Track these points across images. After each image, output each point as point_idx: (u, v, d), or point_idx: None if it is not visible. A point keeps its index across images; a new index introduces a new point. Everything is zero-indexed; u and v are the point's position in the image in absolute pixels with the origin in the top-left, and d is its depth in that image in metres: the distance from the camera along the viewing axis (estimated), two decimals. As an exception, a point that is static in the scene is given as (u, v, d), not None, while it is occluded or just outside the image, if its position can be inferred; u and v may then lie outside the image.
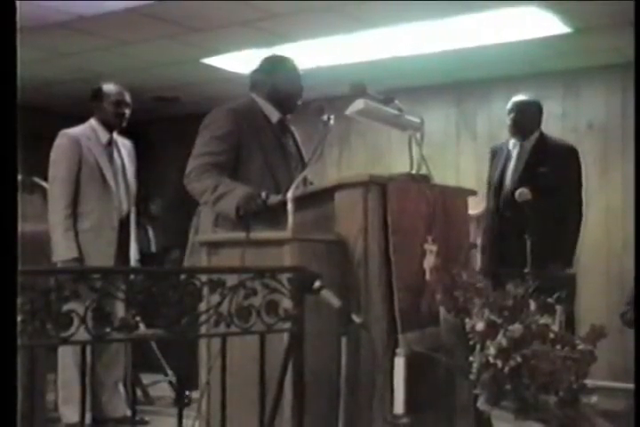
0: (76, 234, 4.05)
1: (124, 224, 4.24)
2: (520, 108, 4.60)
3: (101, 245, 4.09)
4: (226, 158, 3.12)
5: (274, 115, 3.30)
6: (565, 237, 4.37)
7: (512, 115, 4.60)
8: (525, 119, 4.60)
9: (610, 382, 4.68)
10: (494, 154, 4.76)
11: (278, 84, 3.28)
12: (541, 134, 4.64)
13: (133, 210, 4.37)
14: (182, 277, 2.09)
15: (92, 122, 4.28)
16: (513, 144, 4.66)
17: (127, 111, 4.30)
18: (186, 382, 2.62)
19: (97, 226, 4.09)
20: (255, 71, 3.38)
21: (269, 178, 3.16)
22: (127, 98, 4.30)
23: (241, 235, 2.67)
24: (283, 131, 3.34)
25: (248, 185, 3.00)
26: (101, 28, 5.01)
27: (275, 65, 3.36)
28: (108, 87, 4.30)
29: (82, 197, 4.12)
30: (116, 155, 4.29)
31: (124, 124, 4.31)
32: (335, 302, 2.31)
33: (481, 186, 4.62)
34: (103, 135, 4.26)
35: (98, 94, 4.28)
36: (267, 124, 3.27)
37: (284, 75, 3.31)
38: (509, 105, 4.66)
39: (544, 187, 4.17)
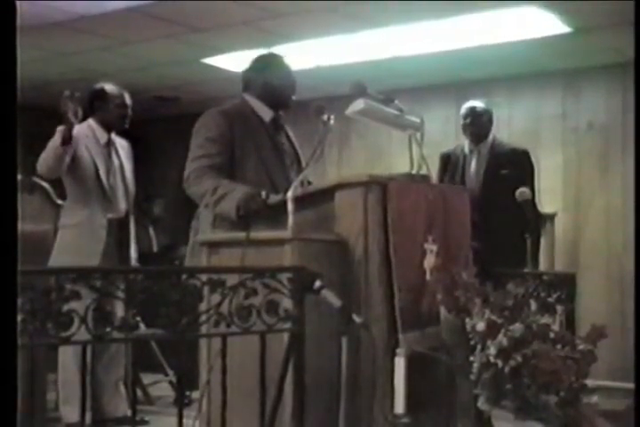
0: (67, 227, 4.08)
1: (122, 224, 4.24)
2: (476, 115, 4.76)
3: (88, 243, 4.08)
4: (222, 159, 3.13)
5: (266, 114, 3.30)
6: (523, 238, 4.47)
7: (468, 120, 4.76)
8: (481, 125, 4.76)
9: (610, 382, 4.68)
10: (448, 159, 4.85)
11: (269, 80, 3.30)
12: (494, 139, 4.81)
13: (132, 210, 4.37)
14: (182, 276, 2.09)
15: (91, 122, 4.26)
16: (469, 148, 4.79)
17: (130, 112, 4.30)
18: (186, 381, 2.62)
19: (86, 223, 4.10)
20: (246, 71, 3.40)
21: (265, 177, 3.16)
22: (128, 99, 4.30)
23: (241, 235, 2.67)
24: (276, 129, 3.34)
25: (245, 185, 3.00)
26: (102, 27, 5.01)
27: (264, 62, 3.37)
28: (111, 88, 4.28)
29: (75, 193, 4.13)
30: (114, 155, 4.29)
31: (127, 126, 4.31)
32: (335, 301, 2.31)
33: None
34: (101, 135, 4.25)
35: (101, 95, 4.26)
36: (259, 123, 3.27)
37: (275, 71, 3.33)
38: (464, 111, 4.80)
39: (507, 187, 4.28)
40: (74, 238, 4.09)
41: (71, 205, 4.17)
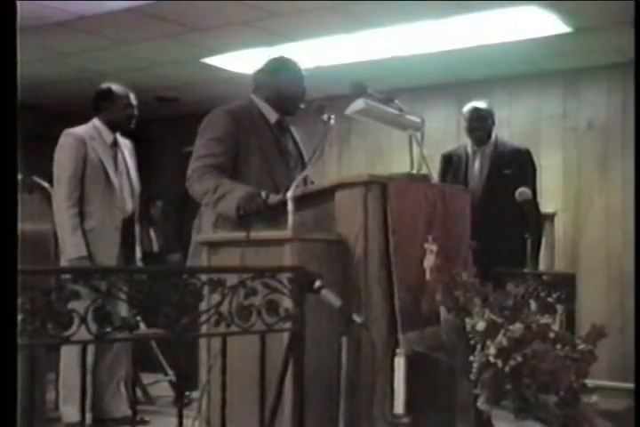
0: (83, 232, 4.05)
1: (128, 224, 4.23)
2: (481, 118, 4.76)
3: (104, 246, 4.08)
4: (225, 159, 3.12)
5: (272, 115, 3.29)
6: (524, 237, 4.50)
7: (474, 124, 4.76)
8: (486, 128, 4.76)
9: (610, 382, 4.68)
10: (450, 159, 4.86)
11: (280, 85, 3.28)
12: (497, 139, 4.82)
13: (138, 210, 4.36)
14: (183, 276, 2.09)
15: (96, 122, 4.24)
16: (472, 149, 4.80)
17: (136, 112, 4.29)
18: (186, 381, 2.62)
19: (100, 226, 4.08)
20: (258, 72, 3.37)
21: (268, 178, 3.16)
22: (134, 99, 4.29)
23: (241, 234, 2.67)
24: (281, 131, 3.33)
25: (247, 185, 3.00)
26: (102, 27, 5.01)
27: (278, 66, 3.34)
28: (118, 88, 4.26)
29: (85, 197, 4.11)
30: (119, 155, 4.28)
31: (133, 126, 4.30)
32: (335, 301, 2.31)
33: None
34: (107, 135, 4.23)
35: (108, 95, 4.24)
36: (265, 124, 3.27)
37: (287, 76, 3.30)
38: (469, 114, 4.79)
39: (509, 187, 4.30)
40: (89, 244, 4.06)
41: (82, 209, 4.13)
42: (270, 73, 3.32)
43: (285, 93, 3.28)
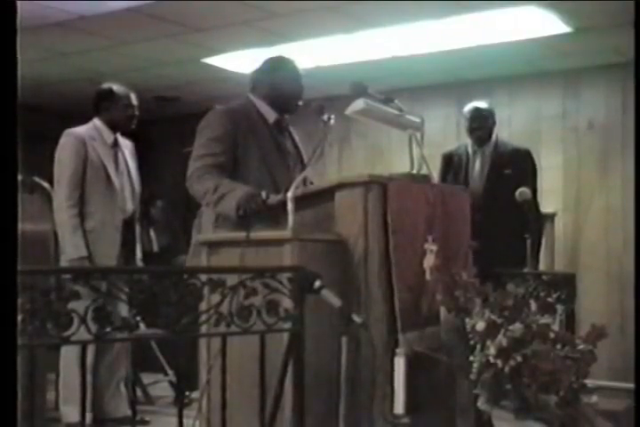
0: (84, 233, 4.05)
1: (129, 224, 4.24)
2: (482, 118, 4.77)
3: (104, 245, 4.08)
4: (225, 159, 3.13)
5: (271, 115, 3.30)
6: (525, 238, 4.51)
7: (475, 124, 4.77)
8: (487, 128, 4.78)
9: (610, 382, 4.68)
10: (450, 158, 4.87)
11: (277, 84, 3.28)
12: (497, 139, 4.83)
13: (138, 210, 4.36)
14: (183, 276, 2.09)
15: (97, 122, 4.24)
16: (472, 149, 4.80)
17: (137, 113, 4.29)
18: (186, 381, 2.62)
19: (100, 226, 4.09)
20: (255, 71, 3.38)
21: (267, 177, 3.16)
22: (135, 99, 4.29)
23: (241, 235, 2.67)
24: (280, 131, 3.33)
25: (247, 185, 3.00)
26: (102, 27, 5.01)
27: (275, 65, 3.35)
28: (119, 89, 4.27)
29: (86, 197, 4.11)
30: (120, 156, 4.28)
31: (134, 126, 4.30)
32: (335, 301, 2.31)
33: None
34: (108, 136, 4.24)
35: (109, 95, 4.24)
36: (263, 124, 3.27)
37: (284, 75, 3.31)
38: (470, 114, 4.80)
39: (510, 187, 4.31)
40: (89, 243, 4.06)
41: (83, 209, 4.13)
42: (267, 72, 3.33)
43: (283, 92, 3.28)
